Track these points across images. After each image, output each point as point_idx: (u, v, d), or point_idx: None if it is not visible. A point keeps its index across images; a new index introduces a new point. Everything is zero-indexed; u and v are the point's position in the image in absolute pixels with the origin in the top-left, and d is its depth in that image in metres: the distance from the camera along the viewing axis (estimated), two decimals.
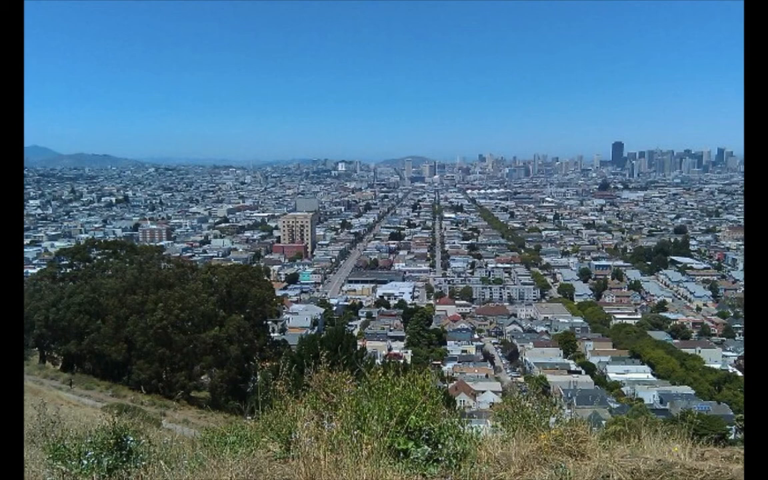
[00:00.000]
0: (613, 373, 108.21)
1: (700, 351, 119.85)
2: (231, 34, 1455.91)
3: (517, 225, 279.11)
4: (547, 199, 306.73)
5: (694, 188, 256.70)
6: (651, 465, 5.03)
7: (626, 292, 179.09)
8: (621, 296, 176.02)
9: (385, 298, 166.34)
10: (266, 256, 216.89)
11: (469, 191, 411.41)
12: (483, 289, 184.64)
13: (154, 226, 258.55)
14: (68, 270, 52.02)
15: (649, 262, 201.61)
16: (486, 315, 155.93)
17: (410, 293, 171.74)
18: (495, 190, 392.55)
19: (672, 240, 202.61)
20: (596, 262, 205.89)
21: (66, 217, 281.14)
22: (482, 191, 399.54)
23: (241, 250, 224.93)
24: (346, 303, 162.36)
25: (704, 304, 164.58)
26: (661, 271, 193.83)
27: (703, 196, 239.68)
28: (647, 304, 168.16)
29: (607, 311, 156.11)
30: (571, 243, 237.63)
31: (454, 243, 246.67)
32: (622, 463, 5.05)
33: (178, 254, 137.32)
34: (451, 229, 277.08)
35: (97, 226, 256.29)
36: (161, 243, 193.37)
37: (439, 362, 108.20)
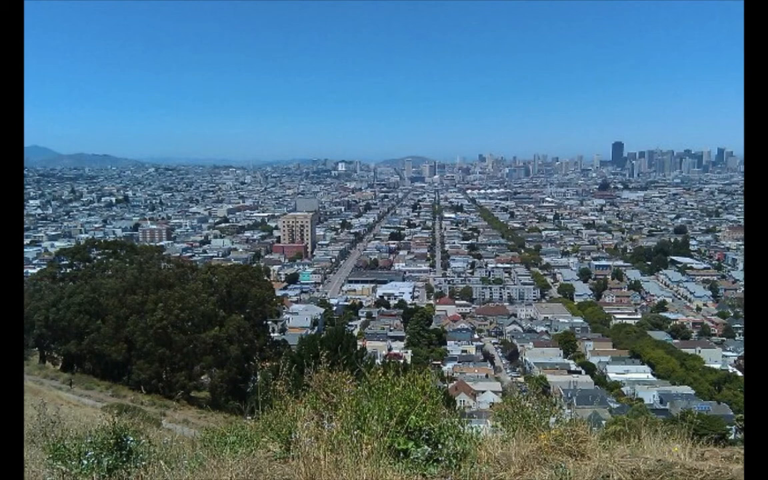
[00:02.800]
0: (613, 373, 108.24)
1: (700, 351, 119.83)
2: (231, 34, 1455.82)
3: (517, 225, 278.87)
4: (547, 199, 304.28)
5: (694, 188, 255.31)
6: (651, 465, 5.03)
7: (626, 292, 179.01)
8: (621, 296, 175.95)
9: (385, 298, 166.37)
10: (266, 256, 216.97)
11: (469, 191, 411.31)
12: (483, 289, 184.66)
13: (154, 226, 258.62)
14: (68, 270, 51.97)
15: (649, 262, 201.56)
16: (486, 315, 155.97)
17: (410, 293, 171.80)
18: (495, 190, 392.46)
19: (672, 240, 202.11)
20: (596, 262, 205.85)
21: (66, 217, 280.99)
22: (482, 191, 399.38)
23: (241, 250, 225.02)
24: (346, 303, 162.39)
25: (704, 304, 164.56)
26: (661, 271, 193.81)
27: (703, 196, 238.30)
28: (647, 304, 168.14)
29: (607, 311, 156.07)
30: (571, 243, 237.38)
31: (454, 243, 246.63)
32: (622, 463, 5.05)
33: (178, 254, 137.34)
34: (451, 229, 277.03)
35: (97, 226, 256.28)
36: (161, 243, 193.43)
37: (439, 362, 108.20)
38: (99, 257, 53.03)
